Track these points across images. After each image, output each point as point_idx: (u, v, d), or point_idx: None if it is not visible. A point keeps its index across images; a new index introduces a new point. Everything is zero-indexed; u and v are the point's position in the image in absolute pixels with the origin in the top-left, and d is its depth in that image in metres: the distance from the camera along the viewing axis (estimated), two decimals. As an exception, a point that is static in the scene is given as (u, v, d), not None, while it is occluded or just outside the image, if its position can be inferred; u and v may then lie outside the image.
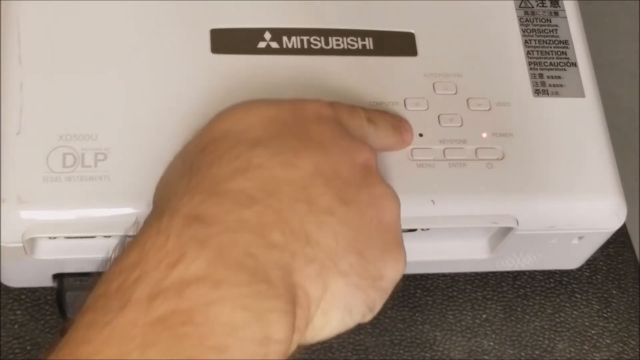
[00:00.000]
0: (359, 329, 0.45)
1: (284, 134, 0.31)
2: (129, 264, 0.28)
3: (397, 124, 0.39)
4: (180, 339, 0.26)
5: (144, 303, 0.26)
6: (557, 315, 0.48)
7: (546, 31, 0.45)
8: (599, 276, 0.49)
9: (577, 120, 0.43)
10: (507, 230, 0.41)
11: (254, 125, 0.32)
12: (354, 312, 0.31)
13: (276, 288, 0.28)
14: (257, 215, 0.29)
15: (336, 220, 0.30)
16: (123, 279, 0.27)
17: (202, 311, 0.26)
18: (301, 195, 0.30)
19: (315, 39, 0.42)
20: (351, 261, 0.30)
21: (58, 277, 0.41)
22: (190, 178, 0.30)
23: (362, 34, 0.42)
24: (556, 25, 0.45)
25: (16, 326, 0.42)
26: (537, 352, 0.46)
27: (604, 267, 0.50)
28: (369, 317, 0.32)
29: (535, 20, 0.45)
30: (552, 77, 0.43)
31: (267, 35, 0.41)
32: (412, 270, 0.46)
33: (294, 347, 0.29)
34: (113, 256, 0.30)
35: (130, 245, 0.29)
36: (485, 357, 0.46)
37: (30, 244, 0.37)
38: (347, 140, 0.33)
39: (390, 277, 0.32)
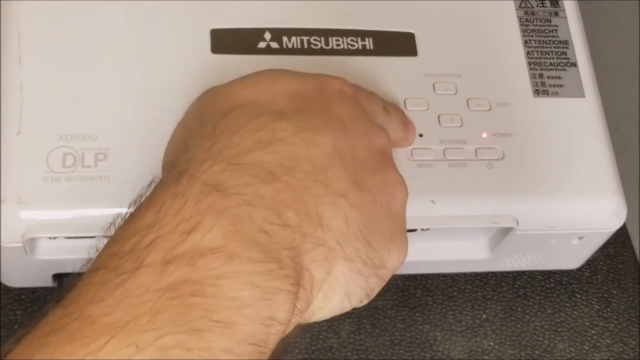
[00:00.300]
0: (359, 329, 0.45)
1: (308, 109, 0.32)
2: (143, 225, 0.28)
3: (406, 120, 0.40)
4: (189, 309, 0.26)
5: (157, 268, 0.26)
6: (557, 315, 0.48)
7: (546, 31, 0.45)
8: (599, 276, 0.49)
9: (577, 120, 0.43)
10: (507, 230, 0.41)
11: (279, 97, 0.32)
12: (352, 298, 0.31)
13: (285, 268, 0.28)
14: (275, 191, 0.29)
15: (349, 204, 0.30)
16: (137, 240, 0.27)
17: (213, 284, 0.26)
18: (319, 175, 0.30)
19: (315, 39, 0.42)
20: (358, 247, 0.31)
21: (58, 277, 0.41)
22: (213, 142, 0.30)
23: (362, 34, 0.42)
24: (556, 26, 0.45)
25: (16, 326, 0.42)
26: (537, 352, 0.46)
27: (604, 267, 0.50)
28: (364, 302, 0.32)
29: (535, 20, 0.45)
30: (552, 77, 0.43)
31: (267, 36, 0.41)
32: (412, 270, 0.46)
33: (290, 327, 0.29)
34: (128, 213, 0.30)
35: (146, 205, 0.29)
36: (485, 357, 0.46)
37: (30, 244, 0.37)
38: (367, 122, 0.34)
39: (392, 266, 0.32)
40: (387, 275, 0.32)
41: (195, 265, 0.27)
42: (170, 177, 0.29)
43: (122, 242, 0.28)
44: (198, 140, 0.31)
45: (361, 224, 0.31)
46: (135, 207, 0.29)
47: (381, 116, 0.37)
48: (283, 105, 0.31)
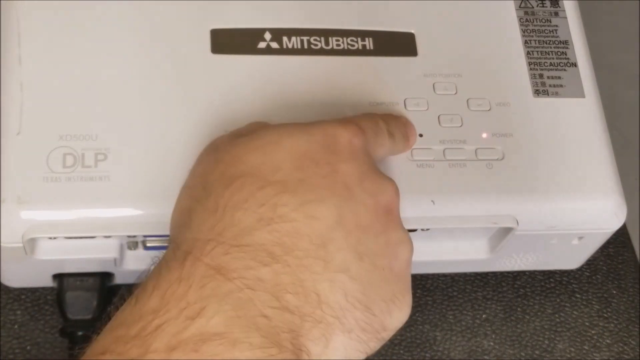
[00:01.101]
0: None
1: (312, 176, 0.31)
2: (149, 309, 0.28)
3: (407, 131, 0.39)
4: None
5: (163, 354, 0.27)
6: (557, 315, 0.48)
7: (546, 31, 0.45)
8: (599, 276, 0.49)
9: (577, 120, 0.43)
10: (507, 231, 0.41)
11: (283, 164, 0.32)
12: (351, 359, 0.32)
13: (285, 352, 0.29)
14: (274, 274, 0.29)
15: (348, 277, 0.31)
16: (143, 325, 0.28)
17: None
18: (319, 252, 0.30)
19: (315, 39, 0.42)
20: (357, 316, 0.31)
21: (58, 277, 0.41)
22: (216, 220, 0.30)
23: (362, 34, 0.42)
24: (556, 26, 0.45)
25: (16, 326, 0.42)
26: (537, 352, 0.46)
27: (604, 267, 0.50)
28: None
29: (535, 20, 0.45)
30: (552, 78, 0.43)
31: (267, 36, 0.41)
32: (412, 270, 0.46)
33: None
34: (134, 291, 0.30)
35: (151, 288, 0.29)
36: (485, 357, 0.46)
37: (30, 244, 0.37)
38: (373, 179, 0.33)
39: (393, 327, 0.33)
40: (388, 336, 0.32)
41: (200, 351, 0.27)
42: (175, 259, 0.30)
43: (128, 326, 0.28)
44: (201, 214, 0.31)
45: (361, 294, 0.31)
46: (140, 287, 0.30)
47: (387, 145, 0.37)
48: (286, 174, 0.31)
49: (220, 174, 0.32)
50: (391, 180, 0.34)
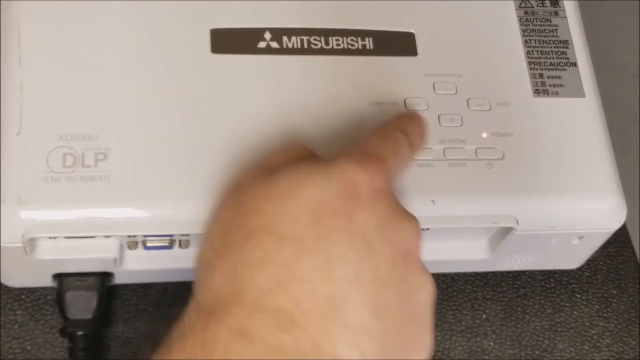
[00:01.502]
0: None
1: (330, 230, 0.31)
2: None
3: (423, 128, 0.38)
4: None
5: None
6: (557, 315, 0.48)
7: (546, 31, 0.45)
8: (599, 276, 0.49)
9: (577, 120, 0.43)
10: (507, 230, 0.41)
11: (300, 217, 0.31)
12: None
13: None
14: (294, 341, 0.29)
15: (367, 337, 0.31)
16: None
17: None
18: (337, 315, 0.30)
19: (315, 39, 0.42)
20: None
21: (58, 277, 0.41)
22: (235, 282, 0.30)
23: (362, 33, 0.42)
24: (556, 25, 0.45)
25: (16, 326, 0.42)
26: (537, 352, 0.46)
27: (604, 267, 0.50)
28: None
29: (535, 20, 0.45)
30: (552, 77, 0.43)
31: (267, 35, 0.41)
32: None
33: None
34: (160, 351, 0.31)
35: (177, 350, 0.30)
36: (485, 357, 0.46)
37: (30, 244, 0.37)
38: (393, 224, 0.32)
39: None
40: None
41: None
42: (199, 321, 0.30)
43: None
44: (221, 274, 0.31)
45: (379, 351, 0.31)
46: (166, 348, 0.31)
47: (410, 157, 0.36)
48: (304, 230, 0.31)
49: (240, 224, 0.32)
50: (411, 219, 0.33)
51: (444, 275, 0.48)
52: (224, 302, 0.30)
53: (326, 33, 0.42)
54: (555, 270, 0.49)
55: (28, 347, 0.42)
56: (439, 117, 0.41)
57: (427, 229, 0.41)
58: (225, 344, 0.29)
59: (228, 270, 0.31)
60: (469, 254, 0.44)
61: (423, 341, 0.33)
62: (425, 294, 0.33)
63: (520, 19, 0.45)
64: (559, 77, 0.43)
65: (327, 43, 0.42)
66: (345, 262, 0.31)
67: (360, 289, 0.31)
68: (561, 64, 0.44)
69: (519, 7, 0.45)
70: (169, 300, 0.44)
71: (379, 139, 0.35)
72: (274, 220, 0.31)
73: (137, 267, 0.41)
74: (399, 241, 0.32)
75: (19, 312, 0.43)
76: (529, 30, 0.45)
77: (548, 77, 0.43)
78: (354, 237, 0.31)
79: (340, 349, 0.30)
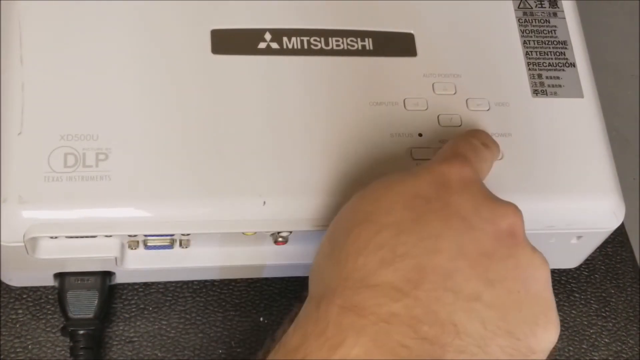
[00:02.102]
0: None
1: (426, 213, 0.32)
2: (291, 347, 0.30)
3: (488, 136, 0.39)
4: None
5: None
6: (555, 315, 0.48)
7: (545, 32, 0.45)
8: (597, 275, 0.50)
9: (576, 120, 0.43)
10: (506, 230, 0.41)
11: (394, 206, 0.32)
12: None
13: None
14: (407, 308, 0.30)
15: (483, 305, 0.31)
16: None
17: None
18: (447, 283, 0.30)
19: (315, 40, 0.42)
20: (501, 344, 0.31)
21: (59, 276, 0.41)
22: (340, 269, 0.31)
23: (362, 34, 0.43)
24: (555, 26, 0.45)
25: (17, 325, 0.43)
26: (535, 351, 0.47)
27: (602, 267, 0.50)
28: None
29: (534, 20, 0.45)
30: (551, 78, 0.44)
31: (268, 36, 0.42)
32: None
33: None
34: (277, 337, 0.32)
35: (291, 330, 0.31)
36: (484, 356, 0.46)
37: (31, 243, 0.37)
38: (490, 205, 0.33)
39: (543, 348, 0.32)
40: (541, 357, 0.32)
41: None
42: (310, 307, 0.32)
43: None
44: (329, 268, 0.32)
45: (500, 320, 0.31)
46: (283, 334, 0.32)
47: (489, 157, 0.37)
48: (400, 215, 0.32)
49: (342, 227, 0.33)
50: (510, 205, 0.33)
51: (443, 274, 0.48)
52: (333, 287, 0.31)
53: (326, 34, 0.42)
54: (554, 269, 0.49)
55: (29, 346, 0.42)
56: (438, 117, 0.41)
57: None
58: (336, 318, 0.30)
59: (334, 263, 0.32)
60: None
61: (548, 317, 0.32)
62: (541, 272, 0.33)
63: (519, 19, 0.45)
64: (558, 78, 0.44)
65: (327, 44, 0.42)
66: (446, 238, 0.31)
67: (467, 261, 0.31)
68: (560, 65, 0.44)
69: (518, 7, 0.45)
70: (169, 299, 0.44)
71: (454, 144, 0.36)
72: (370, 214, 0.32)
73: (138, 266, 0.41)
74: (500, 222, 0.32)
75: (20, 311, 0.43)
76: (527, 31, 0.45)
77: (547, 77, 0.44)
78: (450, 217, 0.32)
79: (459, 315, 0.30)
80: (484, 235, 0.32)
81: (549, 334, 0.32)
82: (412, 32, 0.43)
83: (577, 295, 0.49)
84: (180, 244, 0.41)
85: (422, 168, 0.34)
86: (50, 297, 0.43)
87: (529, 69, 0.44)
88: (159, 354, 0.43)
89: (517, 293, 0.32)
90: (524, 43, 0.44)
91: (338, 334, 0.29)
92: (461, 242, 0.31)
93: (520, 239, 0.33)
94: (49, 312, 0.43)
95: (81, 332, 0.41)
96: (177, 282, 0.45)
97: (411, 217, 0.32)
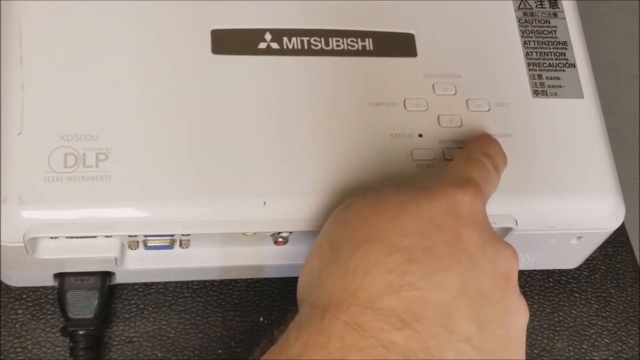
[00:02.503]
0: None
1: (437, 243, 0.33)
2: (293, 354, 0.31)
3: (501, 151, 0.39)
4: None
5: None
6: (555, 315, 0.48)
7: (545, 32, 0.45)
8: (597, 276, 0.50)
9: (576, 121, 0.43)
10: (506, 231, 0.41)
11: (409, 230, 0.33)
12: None
13: None
14: (405, 339, 0.31)
15: (471, 347, 0.32)
16: None
17: None
18: (444, 320, 0.31)
19: (315, 40, 0.42)
20: None
21: (59, 276, 0.41)
22: (346, 283, 0.32)
23: (362, 34, 0.43)
24: (555, 26, 0.45)
25: (17, 325, 0.43)
26: (536, 351, 0.47)
27: (602, 267, 0.50)
28: None
29: (534, 21, 0.45)
30: (551, 78, 0.44)
31: (268, 36, 0.42)
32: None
33: None
34: (275, 336, 0.32)
35: (294, 337, 0.31)
36: (485, 356, 0.46)
37: (31, 243, 0.37)
38: (494, 245, 0.34)
39: None
40: None
41: None
42: (314, 315, 0.32)
43: None
44: (331, 277, 0.33)
45: None
46: (282, 338, 0.32)
47: (497, 182, 0.38)
48: (412, 242, 0.32)
49: (348, 236, 0.33)
50: (509, 246, 0.35)
51: (443, 275, 0.48)
52: (338, 300, 0.32)
53: (326, 34, 0.42)
54: (554, 270, 0.49)
55: (29, 347, 0.42)
56: (438, 117, 0.41)
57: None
58: (340, 334, 0.31)
59: (339, 274, 0.32)
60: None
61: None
62: (521, 318, 0.34)
63: (519, 20, 0.45)
64: (558, 78, 0.44)
65: (327, 44, 0.42)
66: (453, 274, 0.32)
67: (466, 300, 0.32)
68: (560, 65, 0.44)
69: (518, 8, 0.45)
70: (169, 299, 0.44)
71: (469, 165, 0.37)
72: (383, 232, 0.33)
73: (138, 266, 0.41)
74: (500, 263, 0.34)
75: (20, 311, 0.43)
76: (528, 31, 0.45)
77: (547, 77, 0.44)
78: (459, 251, 0.33)
79: (448, 353, 0.31)
80: (484, 276, 0.33)
81: None
82: (412, 32, 0.43)
83: (577, 295, 0.49)
84: (180, 244, 0.41)
85: (436, 190, 0.34)
86: (50, 297, 0.43)
87: (529, 70, 0.44)
88: (159, 354, 0.43)
89: (500, 337, 0.33)
90: (524, 43, 0.44)
91: (341, 350, 0.30)
92: (464, 281, 0.32)
93: (513, 282, 0.34)
94: (49, 312, 0.43)
95: (81, 332, 0.41)
96: (177, 282, 0.45)
97: (423, 245, 0.32)
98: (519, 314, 0.34)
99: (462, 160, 0.37)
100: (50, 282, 0.41)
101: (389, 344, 0.31)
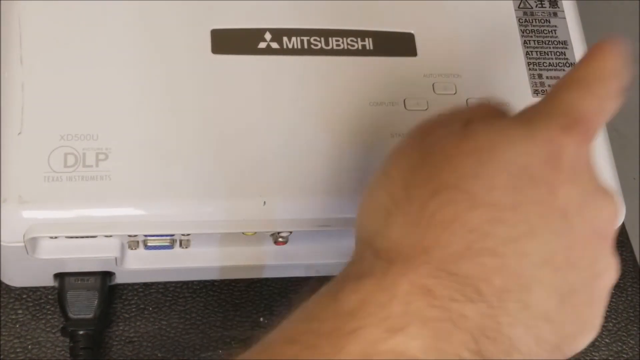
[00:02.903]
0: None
1: (528, 199, 0.28)
2: (346, 310, 0.27)
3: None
4: None
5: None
6: (556, 315, 0.48)
7: (545, 32, 0.45)
8: (597, 276, 0.49)
9: (576, 120, 0.43)
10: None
11: (498, 181, 0.28)
12: None
13: None
14: (477, 315, 0.27)
15: (546, 322, 0.29)
16: (338, 325, 0.27)
17: None
18: (522, 294, 0.28)
19: (315, 40, 0.42)
20: (543, 357, 0.29)
21: (59, 276, 0.41)
22: (420, 236, 0.28)
23: (362, 34, 0.43)
24: (555, 26, 0.45)
25: (17, 325, 0.42)
26: (536, 351, 0.47)
27: (602, 267, 0.50)
28: None
29: (534, 20, 0.45)
30: (551, 78, 0.44)
31: (268, 36, 0.42)
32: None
33: None
34: (325, 287, 0.29)
35: (350, 287, 0.28)
36: (485, 356, 0.46)
37: (31, 243, 0.37)
38: (594, 202, 0.30)
39: (575, 351, 0.31)
40: (568, 356, 0.31)
41: None
42: (377, 266, 0.28)
43: (321, 321, 0.27)
44: (402, 224, 0.29)
45: (552, 334, 0.29)
46: (337, 285, 0.28)
47: (613, 109, 0.32)
48: (500, 195, 0.28)
49: (426, 177, 0.29)
50: (611, 196, 0.30)
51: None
52: (406, 254, 0.28)
53: (326, 33, 0.42)
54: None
55: (29, 347, 0.42)
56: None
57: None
58: (405, 296, 0.27)
59: (410, 222, 0.29)
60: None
61: (594, 324, 0.31)
62: (609, 280, 0.30)
63: (519, 19, 0.45)
64: (558, 78, 0.44)
65: (327, 43, 0.42)
66: (540, 239, 0.28)
67: (551, 270, 0.28)
68: (560, 65, 0.44)
69: (518, 7, 0.45)
70: (169, 299, 0.44)
71: (583, 91, 0.31)
72: (466, 180, 0.28)
73: (138, 266, 0.41)
74: (598, 222, 0.30)
75: (20, 311, 0.43)
76: (528, 31, 0.45)
77: (547, 77, 0.44)
78: (553, 212, 0.29)
79: (517, 330, 0.28)
80: (576, 240, 0.29)
81: (586, 340, 0.31)
82: (412, 32, 0.43)
83: (577, 295, 0.49)
84: (180, 244, 0.41)
85: (540, 130, 0.29)
86: (50, 297, 0.43)
87: (529, 69, 0.44)
88: (159, 354, 0.43)
89: (580, 308, 0.30)
90: (524, 43, 0.44)
91: (402, 316, 0.27)
92: (552, 248, 0.28)
93: (608, 242, 0.30)
94: (49, 312, 0.43)
95: (81, 332, 0.41)
96: (177, 282, 0.45)
97: (512, 201, 0.28)
98: (606, 275, 0.30)
99: (575, 82, 0.31)
100: (50, 282, 0.41)
101: (459, 318, 0.27)
